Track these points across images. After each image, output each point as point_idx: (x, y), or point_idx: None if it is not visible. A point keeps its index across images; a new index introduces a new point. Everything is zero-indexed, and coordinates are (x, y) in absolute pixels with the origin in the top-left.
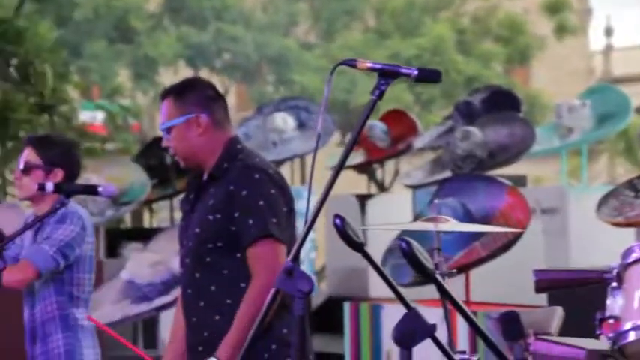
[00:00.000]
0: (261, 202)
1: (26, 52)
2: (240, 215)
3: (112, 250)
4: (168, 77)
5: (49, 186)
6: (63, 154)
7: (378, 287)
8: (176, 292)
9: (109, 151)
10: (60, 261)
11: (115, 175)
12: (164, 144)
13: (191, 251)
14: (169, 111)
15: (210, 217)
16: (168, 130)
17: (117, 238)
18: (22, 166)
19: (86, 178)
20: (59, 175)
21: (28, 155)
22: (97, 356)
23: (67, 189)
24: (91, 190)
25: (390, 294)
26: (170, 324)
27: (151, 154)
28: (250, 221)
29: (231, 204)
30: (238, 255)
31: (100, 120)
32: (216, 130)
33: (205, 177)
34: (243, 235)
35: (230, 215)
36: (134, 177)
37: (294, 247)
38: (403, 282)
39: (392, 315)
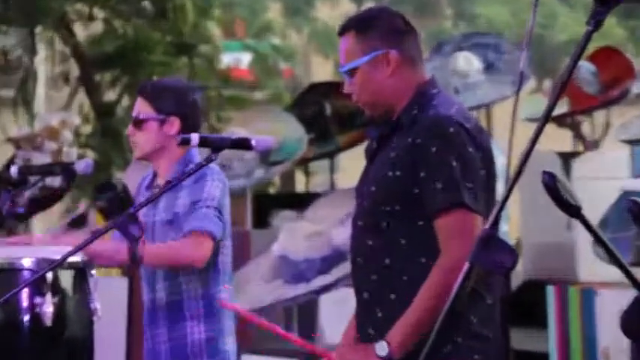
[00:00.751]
0: (454, 163)
1: None
2: (426, 175)
3: (261, 220)
4: (325, 12)
5: (194, 139)
6: (178, 100)
7: (589, 267)
8: (338, 272)
9: (257, 100)
10: (222, 219)
11: (264, 128)
12: (346, 89)
13: (365, 212)
14: (351, 49)
15: (390, 174)
16: (350, 73)
17: (266, 205)
18: (133, 121)
19: (230, 132)
20: (175, 124)
21: (139, 106)
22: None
23: (215, 142)
24: (243, 143)
25: (605, 276)
26: (331, 309)
27: (307, 104)
28: (439, 185)
29: (416, 160)
30: (420, 223)
31: (245, 63)
32: (407, 69)
33: (391, 124)
34: (428, 201)
35: (414, 174)
36: (287, 131)
37: (493, 212)
38: None
39: (609, 303)
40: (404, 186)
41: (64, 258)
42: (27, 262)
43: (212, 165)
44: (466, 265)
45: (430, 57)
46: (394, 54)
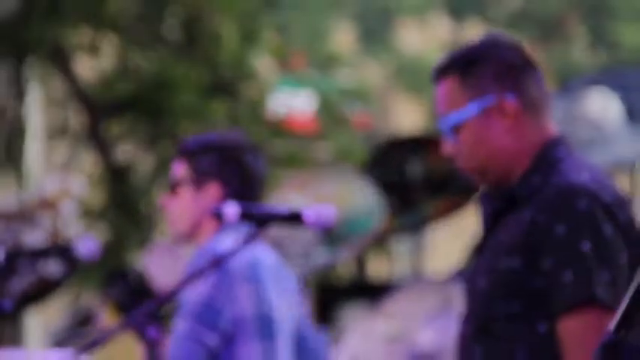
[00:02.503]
0: (586, 247)
1: None
2: (553, 263)
3: (325, 315)
4: (411, 37)
5: (231, 210)
6: (219, 159)
7: None
8: None
9: (321, 157)
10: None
11: (330, 193)
12: (447, 150)
13: (473, 315)
14: (453, 96)
15: (505, 262)
16: (454, 129)
17: (331, 297)
18: (170, 187)
19: (284, 198)
20: (212, 189)
21: (178, 168)
22: None
23: (258, 215)
24: (296, 216)
25: None
26: None
27: (388, 163)
28: (568, 277)
29: (540, 244)
30: (544, 327)
31: (305, 107)
32: (529, 120)
33: (505, 196)
34: (555, 297)
35: (535, 263)
36: (360, 198)
37: (620, 310)
38: None
39: None
40: (522, 279)
41: None
42: None
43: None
44: None
45: (554, 96)
46: (511, 100)
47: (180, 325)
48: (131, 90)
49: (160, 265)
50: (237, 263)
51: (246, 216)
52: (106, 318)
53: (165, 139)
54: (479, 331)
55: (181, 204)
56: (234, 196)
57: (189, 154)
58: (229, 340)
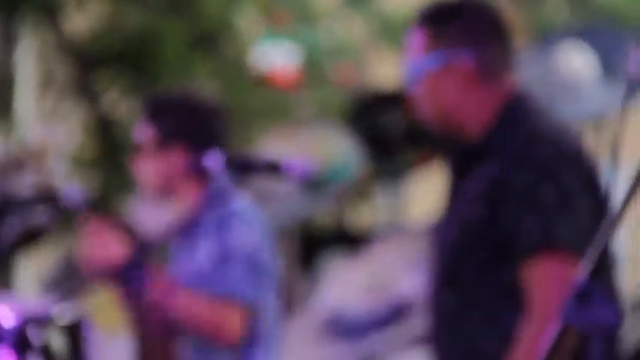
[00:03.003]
0: (546, 193)
1: None
2: (514, 212)
3: (306, 264)
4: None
5: (213, 160)
6: (183, 119)
7: None
8: (405, 331)
9: (303, 109)
10: (262, 280)
11: (312, 146)
12: (410, 96)
13: (442, 266)
14: (418, 46)
15: (471, 214)
16: (415, 78)
17: (312, 246)
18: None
19: (265, 151)
20: (177, 149)
21: (141, 128)
22: None
23: (242, 164)
24: (272, 167)
25: None
26: None
27: (368, 115)
28: (529, 223)
29: (501, 195)
30: (509, 276)
31: (288, 61)
32: (486, 84)
33: (466, 153)
34: (517, 243)
35: (499, 212)
36: (339, 150)
37: (590, 256)
38: None
39: None
40: (487, 228)
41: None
42: (6, 320)
43: (239, 200)
44: (557, 329)
45: (530, 53)
46: (468, 64)
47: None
48: (118, 42)
49: (147, 215)
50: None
51: (229, 164)
52: None
53: (149, 91)
54: (447, 282)
55: (149, 164)
56: (198, 155)
57: (153, 112)
58: None
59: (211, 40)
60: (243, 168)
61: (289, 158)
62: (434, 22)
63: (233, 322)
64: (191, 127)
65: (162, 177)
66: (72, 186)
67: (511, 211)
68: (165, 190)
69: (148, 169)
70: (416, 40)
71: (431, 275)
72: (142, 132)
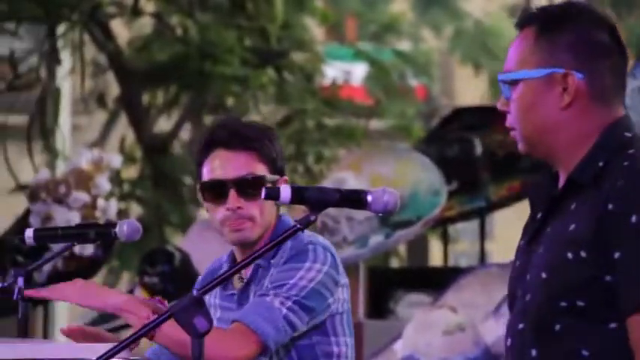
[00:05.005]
0: None
1: None
2: (624, 258)
3: (378, 306)
4: (477, 3)
5: (284, 192)
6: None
7: None
8: None
9: (375, 131)
10: (297, 324)
11: (386, 173)
12: (499, 105)
13: (529, 311)
14: (524, 51)
15: (569, 255)
16: (512, 83)
17: (385, 285)
18: (246, 184)
19: (338, 178)
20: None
21: (250, 160)
22: None
23: (315, 197)
24: (356, 198)
25: None
26: None
27: (449, 138)
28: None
29: (607, 235)
30: (613, 326)
31: (358, 78)
32: (595, 105)
33: (562, 182)
34: (624, 294)
35: (605, 255)
36: (417, 178)
37: None
38: None
39: None
40: (590, 272)
41: (104, 358)
42: None
43: (316, 236)
44: None
45: (632, 69)
46: (579, 81)
47: (276, 300)
48: (172, 57)
49: (202, 245)
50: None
51: (300, 197)
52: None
53: (209, 111)
54: (536, 328)
55: (261, 207)
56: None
57: (256, 145)
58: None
59: (277, 55)
60: (321, 199)
61: (371, 190)
62: (543, 27)
63: (248, 348)
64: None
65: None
66: (126, 218)
67: (621, 254)
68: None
69: (261, 211)
70: (520, 43)
71: (514, 321)
72: (254, 166)
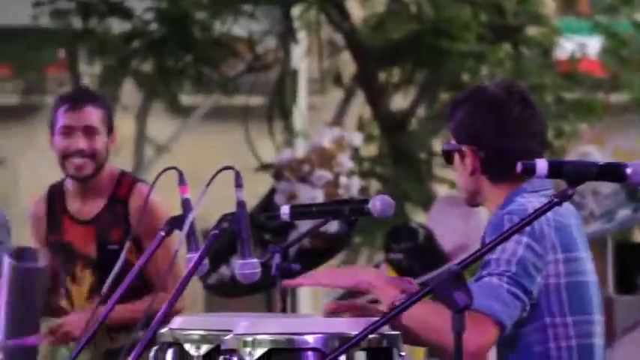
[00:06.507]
0: None
1: None
2: None
3: (627, 281)
4: None
5: (541, 166)
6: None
7: None
8: None
9: (615, 105)
10: (521, 296)
11: (629, 147)
12: None
13: None
14: None
15: None
16: None
17: (634, 260)
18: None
19: (582, 152)
20: (470, 157)
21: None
22: None
23: (572, 170)
24: (616, 171)
25: None
26: None
27: None
28: None
29: None
30: None
31: (594, 51)
32: None
33: None
34: None
35: None
36: None
37: None
38: None
39: None
40: None
41: (364, 334)
42: (311, 339)
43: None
44: None
45: None
46: None
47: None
48: (407, 35)
49: (445, 221)
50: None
51: (557, 170)
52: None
53: (443, 87)
54: None
55: (458, 172)
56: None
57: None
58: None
59: (512, 30)
60: (579, 172)
61: (631, 163)
62: None
63: (487, 335)
64: (483, 130)
65: (469, 187)
66: (380, 195)
67: None
68: (477, 201)
69: (458, 179)
70: None
71: None
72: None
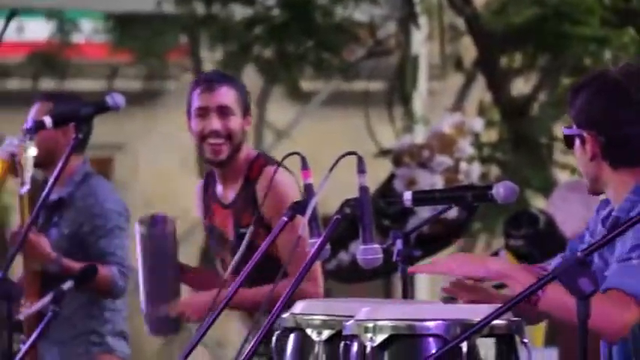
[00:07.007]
0: None
1: None
2: None
3: None
4: None
5: None
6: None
7: None
8: None
9: None
10: None
11: None
12: None
13: None
14: None
15: None
16: None
17: None
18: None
19: None
20: (590, 143)
21: None
22: None
23: None
24: None
25: None
26: None
27: None
28: None
29: None
30: None
31: None
32: None
33: None
34: None
35: None
36: None
37: None
38: None
39: None
40: None
41: (487, 320)
42: (432, 325)
43: None
44: None
45: None
46: None
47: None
48: (528, 19)
49: (565, 207)
50: None
51: None
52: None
53: (566, 71)
54: None
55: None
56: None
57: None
58: None
59: (637, 14)
60: None
61: None
62: None
63: (629, 313)
64: (601, 116)
65: (589, 173)
66: (504, 182)
67: None
68: (599, 188)
69: (579, 163)
70: None
71: None
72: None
